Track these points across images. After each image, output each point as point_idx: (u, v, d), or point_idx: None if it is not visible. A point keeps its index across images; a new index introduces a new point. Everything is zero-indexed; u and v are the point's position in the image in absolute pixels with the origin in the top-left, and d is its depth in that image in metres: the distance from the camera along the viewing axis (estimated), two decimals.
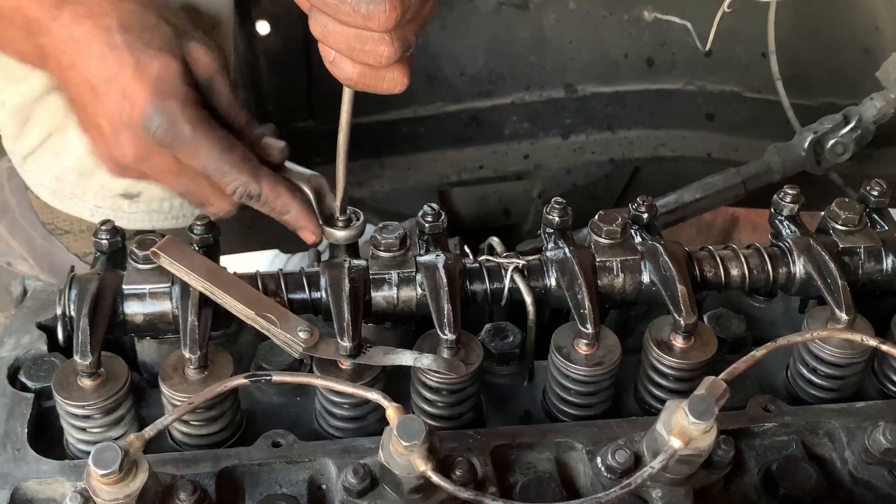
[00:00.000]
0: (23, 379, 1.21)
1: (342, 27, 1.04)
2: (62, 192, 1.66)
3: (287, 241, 2.37)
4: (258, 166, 1.27)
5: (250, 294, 1.16)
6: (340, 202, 1.29)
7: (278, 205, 1.28)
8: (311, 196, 1.29)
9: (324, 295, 1.21)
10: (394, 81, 1.10)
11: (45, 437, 1.18)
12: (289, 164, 1.32)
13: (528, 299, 1.24)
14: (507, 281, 1.25)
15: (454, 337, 1.15)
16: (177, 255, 1.17)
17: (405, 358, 1.14)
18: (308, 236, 1.30)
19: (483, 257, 1.27)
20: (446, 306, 1.17)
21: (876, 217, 1.34)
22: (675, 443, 0.98)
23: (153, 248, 1.17)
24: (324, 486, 1.11)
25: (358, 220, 1.31)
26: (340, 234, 1.30)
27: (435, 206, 1.29)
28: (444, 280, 1.19)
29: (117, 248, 1.26)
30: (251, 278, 1.21)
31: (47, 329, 1.26)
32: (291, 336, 1.12)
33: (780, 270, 1.27)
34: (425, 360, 1.13)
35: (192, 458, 1.11)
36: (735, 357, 1.09)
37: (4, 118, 1.66)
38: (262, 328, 1.14)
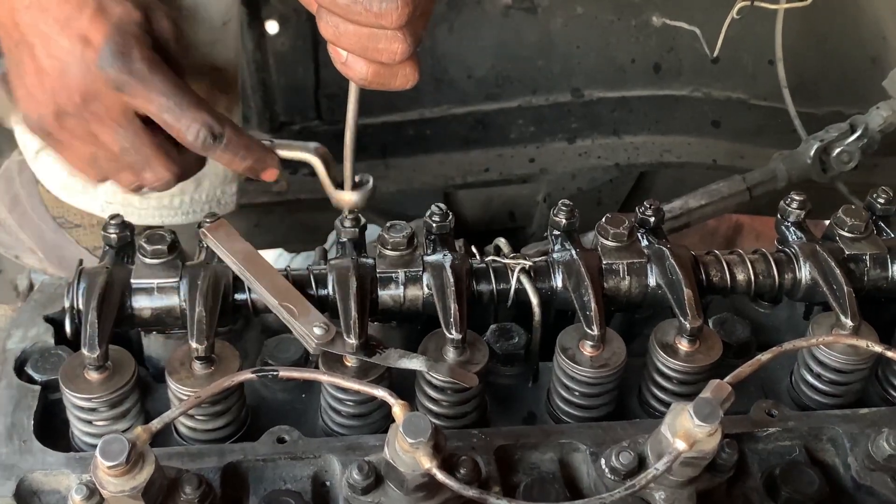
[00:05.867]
0: (29, 371, 1.21)
1: (354, 27, 1.04)
2: (73, 188, 1.67)
3: (292, 240, 2.39)
4: (216, 110, 1.24)
5: (280, 284, 1.18)
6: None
7: (241, 147, 1.25)
8: (320, 164, 1.29)
9: (331, 292, 1.21)
10: (406, 77, 1.10)
11: (51, 429, 1.18)
12: (287, 142, 1.32)
13: (534, 300, 1.24)
14: (513, 282, 1.25)
15: (460, 336, 1.16)
16: (222, 237, 1.21)
17: (418, 363, 1.14)
18: (272, 173, 1.28)
19: (490, 258, 1.28)
20: (453, 306, 1.17)
21: (882, 225, 1.35)
22: (680, 445, 0.98)
23: (203, 228, 1.21)
24: (328, 483, 1.11)
25: (367, 183, 1.31)
26: (350, 198, 1.29)
27: (443, 206, 1.29)
28: (451, 279, 1.20)
29: (126, 242, 1.27)
30: None
31: (54, 322, 1.27)
32: (307, 331, 1.13)
33: (786, 276, 1.28)
34: (438, 368, 1.14)
35: (198, 452, 1.12)
36: (739, 362, 1.09)
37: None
38: (283, 318, 1.15)
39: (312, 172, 1.31)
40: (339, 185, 1.30)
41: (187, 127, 1.21)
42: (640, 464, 1.06)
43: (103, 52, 1.18)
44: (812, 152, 1.94)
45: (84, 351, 1.12)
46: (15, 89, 1.28)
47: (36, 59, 1.22)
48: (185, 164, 1.30)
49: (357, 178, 1.31)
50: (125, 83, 1.19)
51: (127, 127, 1.23)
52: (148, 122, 1.25)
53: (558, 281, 1.25)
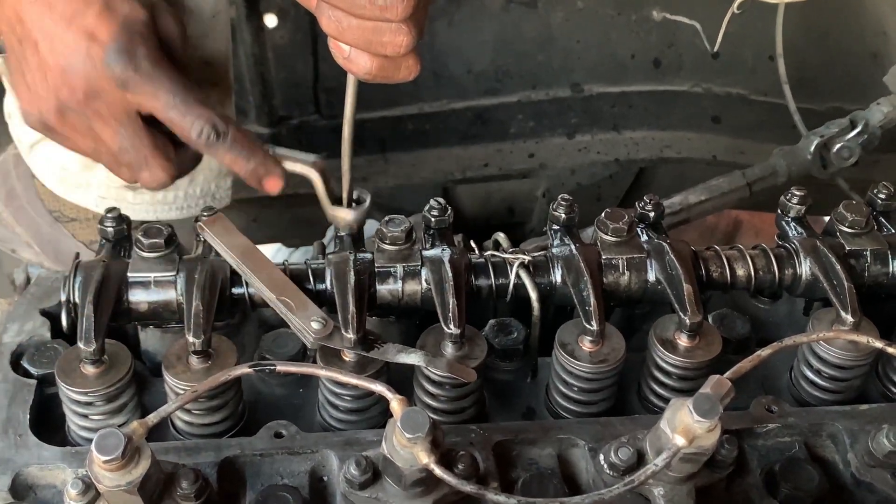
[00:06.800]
0: (25, 365, 1.21)
1: (358, 21, 1.03)
2: (68, 182, 1.66)
3: (291, 234, 2.38)
4: (220, 111, 1.24)
5: (277, 278, 1.18)
6: (347, 194, 1.29)
7: (245, 148, 1.24)
8: (318, 178, 1.28)
9: (329, 287, 1.20)
10: (409, 69, 1.09)
11: (47, 423, 1.18)
12: (287, 152, 1.30)
13: (533, 295, 1.24)
14: (512, 276, 1.24)
15: (458, 331, 1.15)
16: (220, 231, 1.20)
17: (416, 358, 1.13)
18: (276, 182, 1.26)
19: (489, 252, 1.27)
20: (451, 300, 1.17)
21: (883, 220, 1.34)
22: (679, 440, 0.98)
23: (200, 222, 1.21)
24: (325, 478, 1.11)
25: (364, 201, 1.30)
26: (348, 216, 1.28)
27: (441, 200, 1.29)
28: (450, 274, 1.19)
29: (122, 235, 1.26)
30: None
31: (51, 316, 1.26)
32: (305, 325, 1.13)
33: (787, 271, 1.27)
34: (437, 363, 1.13)
35: (194, 447, 1.11)
36: (739, 358, 1.09)
37: (12, 104, 1.66)
38: (281, 313, 1.15)
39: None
40: (337, 201, 1.29)
41: (191, 123, 1.21)
42: (639, 460, 1.05)
43: (109, 50, 1.19)
44: (812, 148, 1.94)
45: (80, 345, 1.11)
46: (15, 84, 1.29)
47: (39, 54, 1.22)
48: (181, 165, 1.31)
49: (355, 195, 1.30)
50: (130, 81, 1.20)
51: (127, 126, 1.24)
52: (147, 123, 1.25)
53: (557, 276, 1.25)
